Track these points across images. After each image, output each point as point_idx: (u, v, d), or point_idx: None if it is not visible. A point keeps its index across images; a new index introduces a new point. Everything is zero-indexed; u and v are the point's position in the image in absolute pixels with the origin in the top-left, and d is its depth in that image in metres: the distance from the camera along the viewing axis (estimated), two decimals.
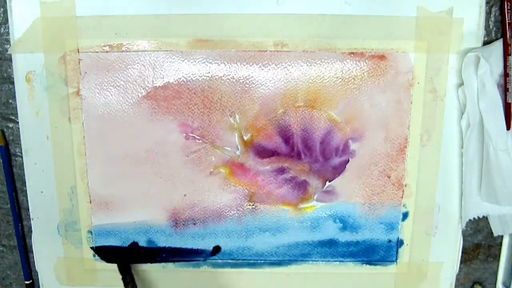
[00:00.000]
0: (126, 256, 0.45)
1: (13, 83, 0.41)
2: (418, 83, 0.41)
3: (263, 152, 0.42)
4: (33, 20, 0.39)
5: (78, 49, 0.40)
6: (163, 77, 0.41)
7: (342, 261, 0.45)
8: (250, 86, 0.41)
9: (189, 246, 0.44)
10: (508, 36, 0.39)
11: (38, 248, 0.45)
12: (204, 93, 0.41)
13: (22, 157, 0.43)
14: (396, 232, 0.44)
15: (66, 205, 0.43)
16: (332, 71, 0.40)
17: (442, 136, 0.42)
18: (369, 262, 0.45)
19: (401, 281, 0.46)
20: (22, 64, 0.40)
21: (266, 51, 0.40)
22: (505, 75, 0.39)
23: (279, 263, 0.45)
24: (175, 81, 0.41)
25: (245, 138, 0.42)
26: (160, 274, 0.45)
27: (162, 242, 0.44)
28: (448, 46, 0.40)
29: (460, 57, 0.40)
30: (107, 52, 0.40)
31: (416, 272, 0.45)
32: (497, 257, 0.47)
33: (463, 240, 0.45)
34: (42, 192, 0.43)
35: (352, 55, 0.40)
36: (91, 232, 0.44)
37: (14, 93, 0.41)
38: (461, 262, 0.46)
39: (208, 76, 0.41)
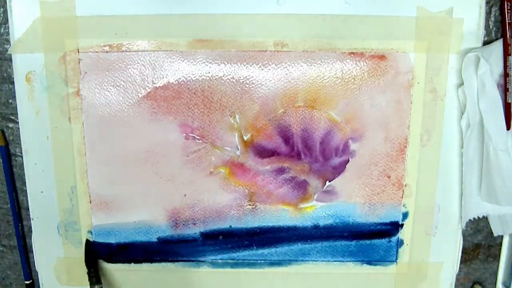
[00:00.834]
0: (127, 256, 0.45)
1: (13, 83, 0.41)
2: (418, 83, 0.41)
3: (263, 152, 0.42)
4: (33, 20, 0.39)
5: (78, 49, 0.40)
6: (163, 77, 0.41)
7: (342, 261, 0.45)
8: (250, 86, 0.41)
9: (189, 246, 0.44)
10: (508, 36, 0.39)
11: (38, 248, 0.45)
12: (204, 93, 0.41)
13: (22, 157, 0.43)
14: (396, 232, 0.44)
15: (66, 205, 0.43)
16: (332, 71, 0.40)
17: (442, 136, 0.42)
18: (369, 262, 0.45)
19: (401, 281, 0.46)
20: (22, 64, 0.40)
21: (266, 51, 0.40)
22: (505, 75, 0.39)
23: (279, 263, 0.45)
24: (175, 81, 0.41)
25: (245, 138, 0.42)
26: (160, 274, 0.45)
27: (162, 242, 0.44)
28: (448, 46, 0.40)
29: (460, 57, 0.40)
30: (107, 52, 0.40)
31: (416, 272, 0.45)
32: (497, 257, 0.47)
33: (463, 240, 0.45)
34: (42, 192, 0.43)
35: (352, 55, 0.40)
36: (91, 232, 0.44)
37: (14, 93, 0.41)
38: (461, 262, 0.46)
39: (208, 76, 0.41)
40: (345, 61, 0.40)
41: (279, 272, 0.45)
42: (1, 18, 0.40)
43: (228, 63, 0.40)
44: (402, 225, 0.44)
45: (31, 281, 0.47)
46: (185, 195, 0.43)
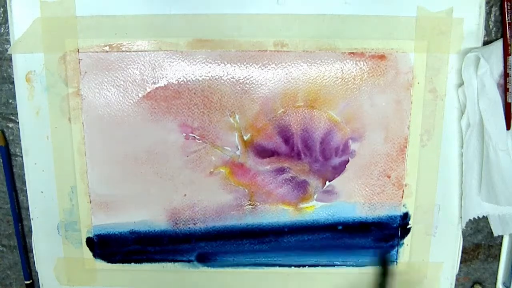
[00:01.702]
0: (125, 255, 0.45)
1: (13, 83, 0.41)
2: (418, 83, 0.41)
3: (263, 152, 0.42)
4: (33, 20, 0.39)
5: (78, 49, 0.40)
6: (163, 77, 0.41)
7: (342, 261, 0.45)
8: (250, 86, 0.41)
9: (189, 246, 0.44)
10: (508, 36, 0.39)
11: (38, 248, 0.45)
12: (204, 93, 0.41)
13: (22, 157, 0.43)
14: (396, 232, 0.44)
15: (66, 205, 0.43)
16: (332, 71, 0.40)
17: (442, 136, 0.42)
18: (369, 262, 0.45)
19: (401, 281, 0.46)
20: (22, 64, 0.40)
21: (266, 51, 0.40)
22: (505, 75, 0.39)
23: (279, 263, 0.45)
24: (175, 81, 0.41)
25: (245, 138, 0.42)
26: (160, 274, 0.45)
27: (162, 242, 0.44)
28: (448, 46, 0.40)
29: (460, 57, 0.40)
30: (107, 52, 0.40)
31: (416, 272, 0.45)
32: (497, 257, 0.47)
33: (463, 240, 0.45)
34: (42, 192, 0.43)
35: (352, 55, 0.40)
36: (91, 232, 0.44)
37: (14, 93, 0.41)
38: (461, 262, 0.46)
39: (208, 76, 0.41)
40: (345, 61, 0.40)
41: (279, 272, 0.45)
42: (1, 18, 0.41)
43: (228, 63, 0.40)
44: (402, 225, 0.44)
45: (31, 281, 0.47)
46: (185, 195, 0.43)
